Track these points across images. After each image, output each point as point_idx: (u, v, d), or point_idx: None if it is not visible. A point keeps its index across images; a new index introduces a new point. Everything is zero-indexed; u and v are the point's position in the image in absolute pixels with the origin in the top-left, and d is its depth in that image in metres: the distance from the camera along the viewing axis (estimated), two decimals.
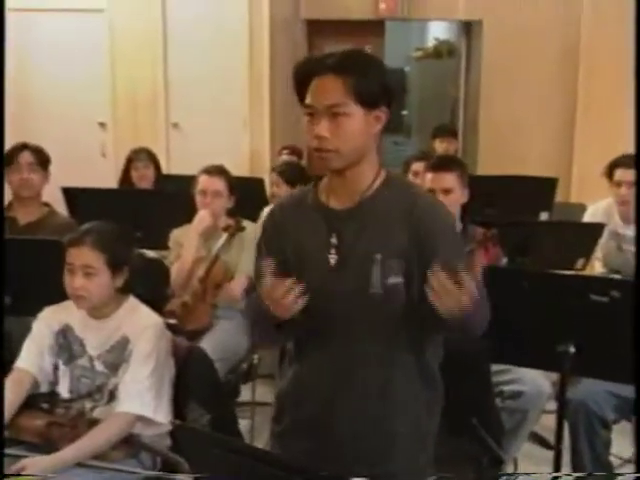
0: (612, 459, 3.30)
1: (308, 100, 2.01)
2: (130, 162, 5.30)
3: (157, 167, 5.35)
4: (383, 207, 2.06)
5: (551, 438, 3.20)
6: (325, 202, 2.11)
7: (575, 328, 2.54)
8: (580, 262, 3.90)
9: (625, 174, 4.16)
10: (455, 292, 1.79)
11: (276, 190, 4.79)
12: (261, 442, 3.66)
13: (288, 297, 1.91)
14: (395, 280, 2.02)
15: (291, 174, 4.90)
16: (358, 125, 1.99)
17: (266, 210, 4.88)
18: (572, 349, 2.55)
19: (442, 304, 1.82)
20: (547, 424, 3.64)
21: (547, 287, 2.67)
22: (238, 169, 5.64)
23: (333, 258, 2.06)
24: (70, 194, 4.46)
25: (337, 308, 2.07)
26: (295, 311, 1.95)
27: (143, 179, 5.23)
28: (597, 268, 4.39)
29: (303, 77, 2.04)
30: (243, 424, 3.69)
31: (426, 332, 2.08)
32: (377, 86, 2.01)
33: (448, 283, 1.79)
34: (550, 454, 2.87)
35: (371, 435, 2.11)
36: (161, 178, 5.35)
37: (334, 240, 2.06)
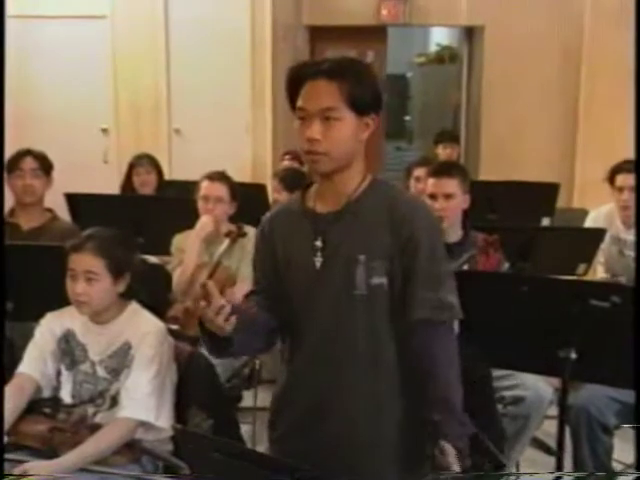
0: (614, 465, 3.30)
1: (300, 103, 2.05)
2: (132, 168, 5.31)
3: (159, 173, 5.36)
4: (367, 210, 2.09)
5: (553, 444, 3.20)
6: (312, 207, 2.14)
7: (576, 333, 2.55)
8: (582, 267, 3.91)
9: (627, 179, 4.16)
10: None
11: (277, 196, 4.79)
12: (263, 447, 3.64)
13: (219, 317, 1.92)
14: (379, 280, 2.05)
15: (291, 180, 4.91)
16: (349, 130, 2.02)
17: (267, 216, 4.89)
18: (573, 354, 2.55)
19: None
20: (549, 430, 3.64)
21: (547, 292, 2.67)
22: (240, 175, 5.65)
23: (318, 261, 2.09)
24: (73, 200, 4.47)
25: (325, 309, 2.10)
26: (229, 330, 1.96)
27: (145, 185, 5.24)
28: (600, 273, 4.39)
29: (296, 80, 2.07)
30: (245, 429, 3.69)
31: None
32: (369, 94, 2.05)
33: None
34: (552, 459, 2.87)
35: (362, 434, 2.13)
36: (163, 184, 5.36)
37: (319, 243, 2.09)
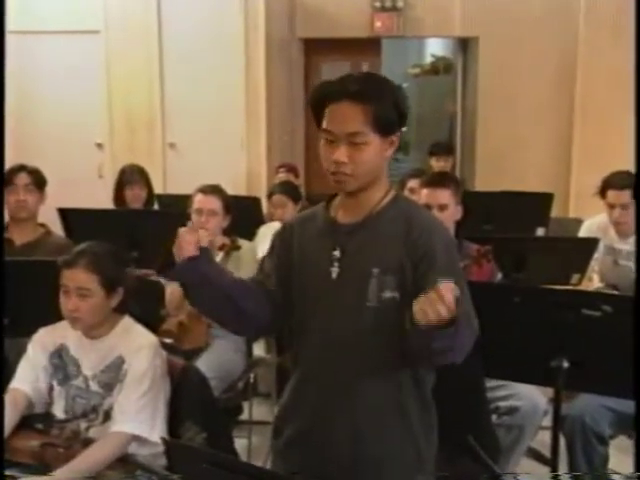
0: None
1: (327, 126, 2.06)
2: (124, 182, 5.24)
3: (149, 186, 5.31)
4: (385, 224, 2.11)
5: (549, 454, 3.19)
6: (335, 217, 2.17)
7: (568, 343, 2.55)
8: (575, 277, 3.90)
9: (618, 197, 4.10)
10: (434, 301, 1.79)
11: (281, 212, 4.81)
12: (259, 462, 3.64)
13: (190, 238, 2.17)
14: (391, 294, 2.06)
15: (293, 191, 5.00)
16: (375, 152, 2.05)
17: (262, 229, 4.90)
18: (565, 364, 2.55)
19: (421, 312, 1.82)
20: (545, 440, 3.63)
21: (539, 302, 2.67)
22: (235, 188, 5.67)
23: (335, 271, 2.11)
24: (66, 215, 4.46)
25: (336, 320, 2.11)
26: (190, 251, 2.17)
27: (137, 199, 5.19)
28: (596, 282, 4.37)
29: (320, 101, 2.08)
30: (241, 443, 3.68)
31: (413, 358, 2.08)
32: (393, 113, 2.06)
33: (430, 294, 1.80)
34: (548, 470, 2.86)
35: (368, 451, 2.12)
36: (152, 197, 5.32)
37: (337, 253, 2.11)
